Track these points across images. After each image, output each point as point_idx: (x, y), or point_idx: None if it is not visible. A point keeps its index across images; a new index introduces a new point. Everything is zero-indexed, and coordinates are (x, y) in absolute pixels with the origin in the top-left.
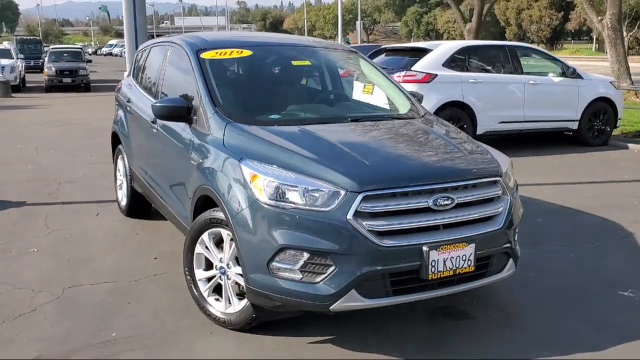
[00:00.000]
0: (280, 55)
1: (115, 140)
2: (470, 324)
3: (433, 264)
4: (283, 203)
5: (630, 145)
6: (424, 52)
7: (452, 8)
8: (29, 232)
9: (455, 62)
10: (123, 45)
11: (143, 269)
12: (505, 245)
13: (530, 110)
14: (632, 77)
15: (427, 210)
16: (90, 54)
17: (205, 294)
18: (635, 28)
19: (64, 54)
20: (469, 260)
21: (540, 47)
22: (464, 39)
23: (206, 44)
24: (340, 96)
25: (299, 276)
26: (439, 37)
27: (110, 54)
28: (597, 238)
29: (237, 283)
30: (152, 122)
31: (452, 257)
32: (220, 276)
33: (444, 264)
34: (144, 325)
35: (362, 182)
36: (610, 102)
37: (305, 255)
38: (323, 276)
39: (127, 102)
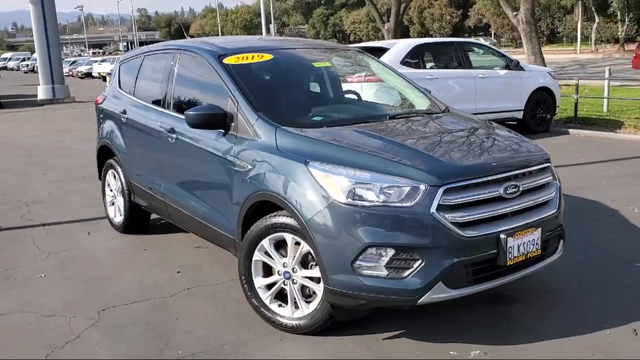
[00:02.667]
0: (299, 58)
1: (105, 154)
2: (523, 306)
3: (510, 250)
4: (362, 202)
5: (570, 130)
6: (381, 51)
7: (370, 8)
8: (24, 258)
9: (412, 59)
10: (20, 59)
11: (171, 284)
12: (559, 228)
13: (480, 102)
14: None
15: (498, 200)
16: None
17: (267, 302)
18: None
19: None
20: (537, 244)
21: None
22: (372, 39)
23: (225, 49)
24: (366, 95)
25: (384, 273)
26: (345, 38)
27: (5, 67)
28: (589, 217)
29: (303, 286)
30: (169, 131)
31: (525, 242)
32: (284, 281)
33: (518, 249)
34: (206, 340)
35: (442, 175)
36: (549, 91)
37: (391, 251)
38: (410, 271)
39: (122, 113)
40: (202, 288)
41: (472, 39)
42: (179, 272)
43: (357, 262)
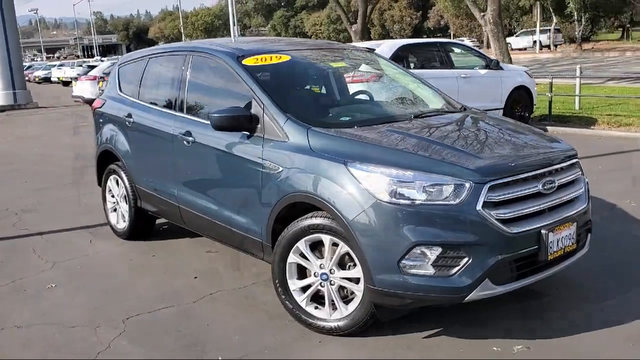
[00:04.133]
0: (316, 58)
1: (106, 159)
2: (553, 300)
3: (551, 245)
4: (407, 200)
5: (548, 127)
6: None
7: (337, 9)
8: (29, 268)
9: (397, 60)
10: None
11: (190, 290)
12: (588, 222)
13: (463, 101)
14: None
15: (538, 195)
16: None
17: (302, 304)
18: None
19: None
20: (572, 238)
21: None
22: (333, 41)
23: (243, 51)
24: (381, 94)
25: (431, 271)
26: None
27: None
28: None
29: (341, 287)
30: (184, 134)
31: (562, 237)
32: (320, 283)
33: (557, 244)
34: (244, 345)
35: (486, 173)
36: (527, 90)
37: (438, 249)
38: (457, 268)
39: (127, 117)
40: (224, 293)
41: (454, 40)
42: (195, 277)
43: (404, 262)
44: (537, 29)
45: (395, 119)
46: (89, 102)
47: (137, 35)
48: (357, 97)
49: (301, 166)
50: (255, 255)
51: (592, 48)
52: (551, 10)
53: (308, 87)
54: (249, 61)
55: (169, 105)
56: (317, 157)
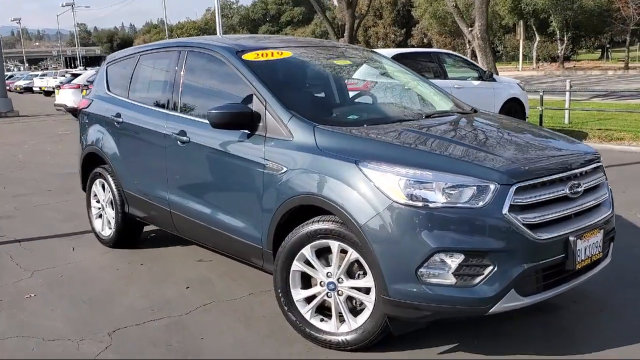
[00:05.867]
0: (318, 55)
1: (91, 162)
2: (571, 315)
3: (579, 253)
4: (425, 203)
5: None
6: None
7: (325, 24)
8: (5, 276)
9: None
10: None
11: (182, 300)
12: (612, 230)
13: None
14: None
15: (565, 199)
16: None
17: (307, 316)
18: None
19: None
20: (599, 246)
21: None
22: None
23: (242, 46)
24: (388, 94)
25: (452, 280)
26: None
27: None
28: None
29: (349, 298)
30: (178, 134)
31: (590, 244)
32: (327, 293)
33: (585, 252)
34: None
35: (512, 173)
36: (519, 102)
37: (460, 257)
38: (480, 278)
39: (115, 117)
40: (219, 304)
41: (448, 51)
42: (187, 287)
43: (422, 270)
44: (521, 47)
45: (406, 118)
46: (72, 110)
47: (121, 48)
48: (363, 96)
49: (307, 166)
50: (254, 263)
51: (574, 67)
52: (534, 28)
53: (312, 84)
54: (249, 56)
55: (162, 104)
56: (324, 157)
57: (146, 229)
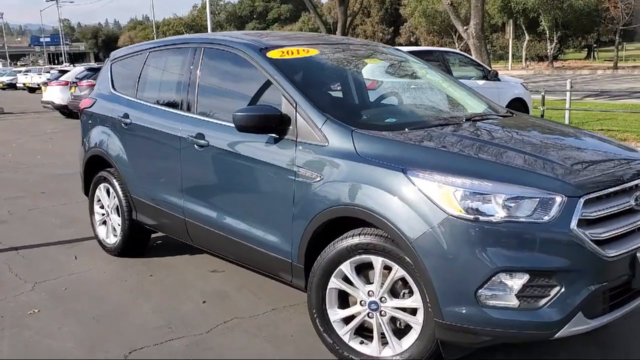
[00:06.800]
0: (347, 53)
1: (95, 165)
2: (627, 332)
3: None
4: (486, 217)
5: None
6: None
7: (317, 21)
8: (5, 289)
9: None
10: None
11: (200, 317)
12: None
13: None
14: None
15: (630, 212)
16: None
17: (345, 338)
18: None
19: None
20: None
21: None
22: None
23: (265, 43)
24: (427, 94)
25: (515, 303)
26: None
27: None
28: None
29: (392, 319)
30: (195, 137)
31: None
32: (369, 313)
33: None
34: None
35: (580, 185)
36: (523, 102)
37: (525, 277)
38: (546, 300)
39: (123, 118)
40: (241, 321)
41: (452, 50)
42: (204, 301)
43: (482, 291)
44: (510, 46)
45: (448, 122)
46: (60, 108)
47: (106, 44)
48: (390, 97)
49: (346, 174)
50: (282, 278)
51: (563, 66)
52: (524, 28)
53: (342, 84)
54: (273, 54)
55: (176, 104)
56: (366, 164)
57: (152, 235)
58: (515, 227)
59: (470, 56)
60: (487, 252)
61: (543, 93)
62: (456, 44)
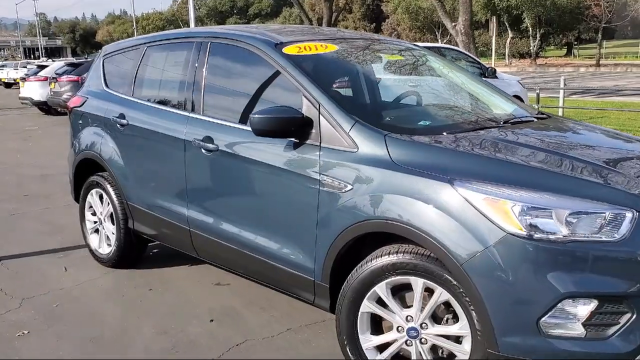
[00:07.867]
0: (366, 49)
1: (87, 169)
2: None
3: None
4: (547, 235)
5: None
6: None
7: (302, 17)
8: None
9: None
10: None
11: (210, 339)
12: None
13: None
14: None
15: None
16: None
17: None
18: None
19: None
20: None
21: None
22: None
23: (279, 38)
24: (451, 94)
25: (581, 332)
26: None
27: None
28: None
29: (433, 347)
30: (203, 141)
31: None
32: (407, 340)
33: None
34: None
35: None
36: (520, 100)
37: (593, 303)
38: (616, 328)
39: (118, 118)
40: (255, 344)
41: (450, 46)
42: (212, 320)
43: (545, 319)
44: (494, 43)
45: (486, 125)
46: (39, 104)
47: (84, 38)
48: (409, 97)
49: (379, 184)
50: (303, 297)
51: (546, 63)
52: (507, 25)
53: (368, 83)
54: (290, 50)
55: (179, 104)
56: (404, 173)
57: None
58: (583, 246)
59: (468, 53)
60: (552, 276)
61: (538, 91)
62: (439, 40)
